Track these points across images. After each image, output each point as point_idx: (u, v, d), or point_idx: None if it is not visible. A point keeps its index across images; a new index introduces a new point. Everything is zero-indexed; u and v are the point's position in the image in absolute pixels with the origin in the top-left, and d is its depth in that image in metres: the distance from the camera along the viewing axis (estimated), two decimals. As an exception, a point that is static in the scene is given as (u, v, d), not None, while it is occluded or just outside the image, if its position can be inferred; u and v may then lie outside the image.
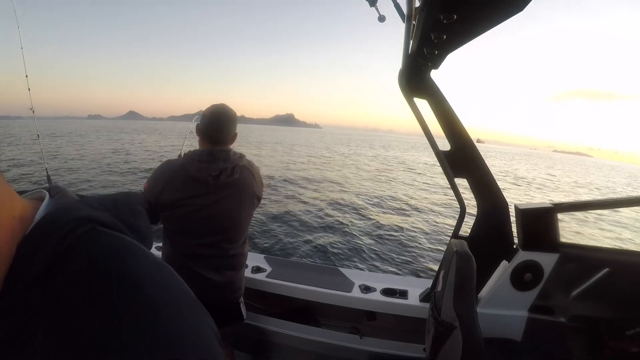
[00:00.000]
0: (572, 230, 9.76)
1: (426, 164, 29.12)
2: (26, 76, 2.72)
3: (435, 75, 1.38)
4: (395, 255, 6.05)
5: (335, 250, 6.04)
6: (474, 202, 1.57)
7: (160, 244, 1.56)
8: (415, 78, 1.39)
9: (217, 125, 1.38)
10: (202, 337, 0.33)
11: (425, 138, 1.53)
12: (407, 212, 9.67)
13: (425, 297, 1.79)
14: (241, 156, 1.45)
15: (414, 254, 6.19)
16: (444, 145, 1.52)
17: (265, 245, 6.04)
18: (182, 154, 1.52)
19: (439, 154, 1.52)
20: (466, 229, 1.61)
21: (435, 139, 1.51)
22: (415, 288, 1.90)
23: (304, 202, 9.56)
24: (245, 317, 1.65)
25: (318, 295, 1.87)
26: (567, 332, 1.52)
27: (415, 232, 7.65)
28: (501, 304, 1.55)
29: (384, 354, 1.86)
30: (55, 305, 0.31)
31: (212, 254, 1.45)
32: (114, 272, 0.33)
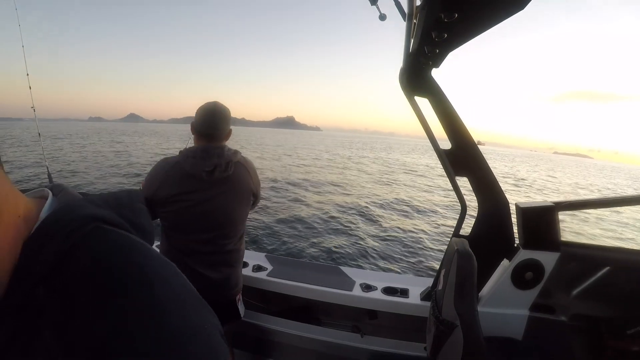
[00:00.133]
0: (573, 229, 9.75)
1: (427, 165, 29.13)
2: (27, 75, 2.74)
3: (436, 74, 1.39)
4: (396, 254, 6.05)
5: (337, 249, 6.05)
6: (475, 201, 1.57)
7: (159, 242, 1.57)
8: (416, 77, 1.40)
9: (210, 122, 1.40)
10: (208, 334, 0.34)
11: (426, 139, 1.54)
12: (408, 212, 9.69)
13: (426, 295, 1.79)
14: (236, 152, 1.46)
15: (415, 253, 6.20)
16: (445, 144, 1.53)
17: (269, 246, 6.04)
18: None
19: (440, 153, 1.52)
20: (467, 228, 1.62)
21: (436, 138, 1.52)
22: (416, 287, 1.90)
23: (307, 204, 9.58)
24: (242, 315, 1.64)
25: (319, 294, 1.87)
26: (568, 331, 1.52)
27: (416, 231, 7.66)
28: (502, 302, 1.55)
29: (385, 353, 1.86)
30: (61, 304, 0.31)
31: (208, 250, 1.46)
32: (120, 271, 0.34)
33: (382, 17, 1.18)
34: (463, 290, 1.21)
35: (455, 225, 1.61)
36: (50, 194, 0.39)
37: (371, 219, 8.43)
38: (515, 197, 14.71)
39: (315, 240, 6.49)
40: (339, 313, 1.98)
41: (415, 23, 1.00)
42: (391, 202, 10.96)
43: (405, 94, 1.46)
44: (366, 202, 10.39)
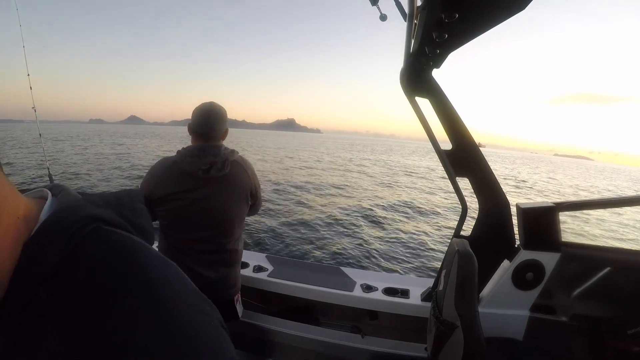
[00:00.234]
0: (573, 229, 9.74)
1: (428, 167, 29.14)
2: (28, 75, 2.75)
3: (436, 74, 1.39)
4: (397, 255, 6.05)
5: (338, 250, 6.05)
6: (475, 202, 1.57)
7: (157, 242, 1.58)
8: (417, 77, 1.40)
9: (206, 122, 1.41)
10: (213, 330, 0.34)
11: (427, 140, 1.54)
12: (409, 214, 9.69)
13: (426, 296, 1.79)
14: (232, 151, 1.47)
15: (415, 254, 6.20)
16: (446, 145, 1.53)
17: (272, 248, 6.04)
18: None
19: (441, 153, 1.52)
20: (468, 229, 1.62)
21: (437, 139, 1.52)
22: (417, 287, 1.90)
23: (309, 206, 9.59)
24: (240, 316, 1.64)
25: (320, 295, 1.88)
26: (569, 332, 1.52)
27: (417, 232, 7.66)
28: (502, 303, 1.55)
29: (386, 353, 1.86)
30: (64, 305, 0.31)
31: (206, 249, 1.47)
32: (123, 271, 0.34)
33: (383, 17, 1.19)
34: (464, 290, 1.21)
35: (455, 225, 1.61)
36: (50, 194, 0.39)
37: (373, 221, 8.43)
38: (516, 198, 14.69)
39: (317, 242, 6.49)
40: (339, 313, 1.98)
41: (415, 23, 1.00)
42: (392, 203, 10.96)
43: (406, 95, 1.47)
44: (368, 204, 10.38)
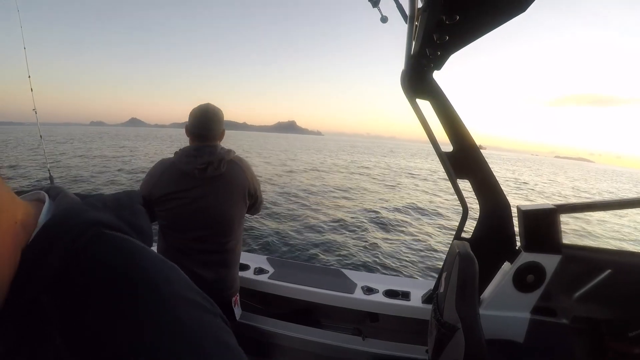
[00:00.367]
0: (574, 231, 9.72)
1: (429, 169, 29.12)
2: (29, 77, 2.75)
3: (437, 76, 1.39)
4: (398, 257, 6.04)
5: (340, 253, 6.05)
6: (476, 204, 1.57)
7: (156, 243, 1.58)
8: (418, 79, 1.40)
9: (202, 122, 1.43)
10: (218, 329, 0.35)
11: (428, 143, 1.54)
12: (411, 215, 9.69)
13: (427, 298, 1.79)
14: (229, 151, 1.48)
15: (416, 256, 6.18)
16: (447, 147, 1.53)
17: (274, 250, 6.04)
18: None
19: (442, 155, 1.52)
20: (469, 231, 1.61)
21: (438, 141, 1.52)
22: (418, 289, 1.90)
23: (312, 209, 9.60)
24: (238, 318, 1.63)
25: (320, 297, 1.87)
26: (570, 334, 1.51)
27: (418, 234, 7.65)
28: (503, 305, 1.55)
29: (387, 356, 1.86)
30: (67, 310, 0.31)
31: (205, 249, 1.47)
32: (126, 275, 0.34)
33: (384, 19, 1.19)
34: (464, 292, 1.21)
35: (456, 227, 1.61)
36: (47, 197, 0.38)
37: (375, 222, 8.43)
38: (517, 200, 14.68)
39: (319, 244, 6.48)
40: (340, 316, 1.97)
41: (416, 25, 1.00)
42: (394, 205, 10.95)
43: (407, 97, 1.47)
44: (370, 206, 10.39)
